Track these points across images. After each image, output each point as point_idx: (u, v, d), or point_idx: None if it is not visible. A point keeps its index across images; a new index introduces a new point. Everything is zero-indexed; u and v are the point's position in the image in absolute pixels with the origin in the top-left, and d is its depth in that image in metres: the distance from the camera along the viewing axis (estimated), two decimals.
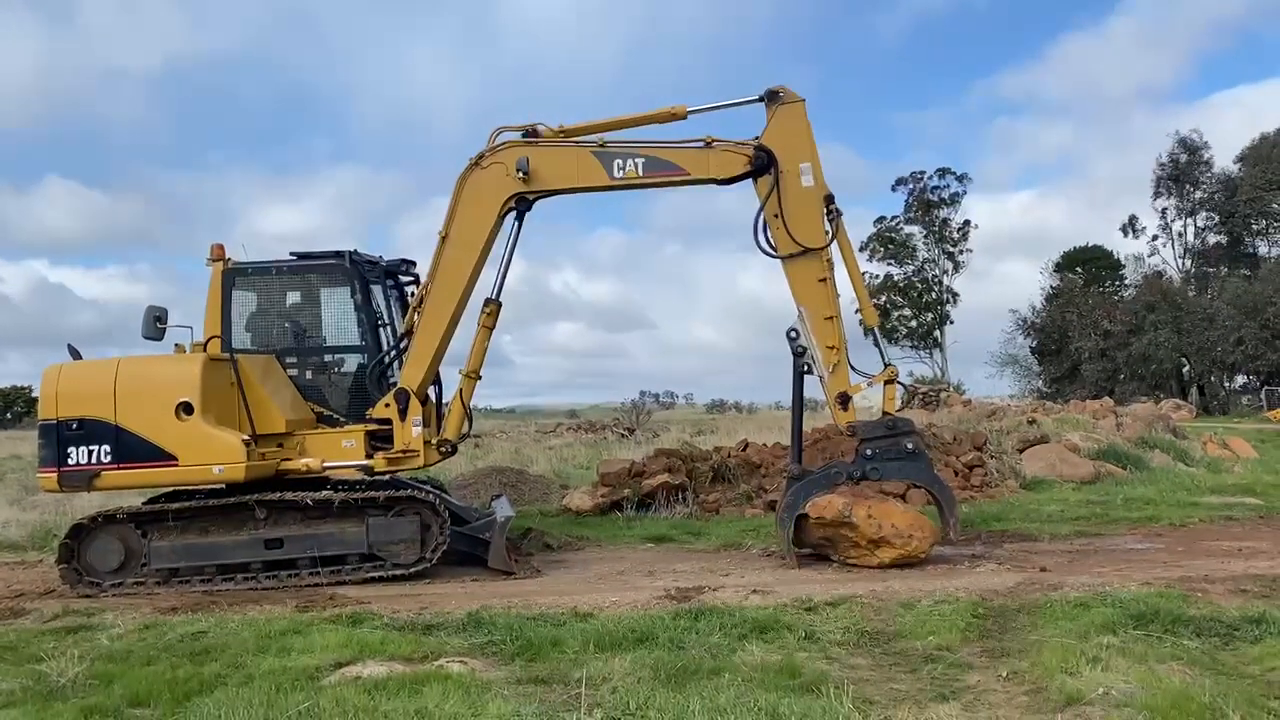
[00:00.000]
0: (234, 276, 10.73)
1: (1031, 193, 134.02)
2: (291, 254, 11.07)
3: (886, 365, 10.43)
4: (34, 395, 58.12)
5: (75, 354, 10.42)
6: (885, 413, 10.32)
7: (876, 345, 10.79)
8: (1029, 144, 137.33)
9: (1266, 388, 50.61)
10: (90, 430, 9.80)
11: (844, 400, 10.22)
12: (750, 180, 10.45)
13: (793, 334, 10.29)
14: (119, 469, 9.80)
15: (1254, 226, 60.57)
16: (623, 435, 32.20)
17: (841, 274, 10.51)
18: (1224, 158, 61.12)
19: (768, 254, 10.40)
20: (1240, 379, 57.64)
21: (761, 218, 10.36)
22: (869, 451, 10.11)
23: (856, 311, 11.22)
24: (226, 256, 10.73)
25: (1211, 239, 62.52)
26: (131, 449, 9.77)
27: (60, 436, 9.83)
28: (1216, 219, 60.96)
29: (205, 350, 10.41)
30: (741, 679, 6.09)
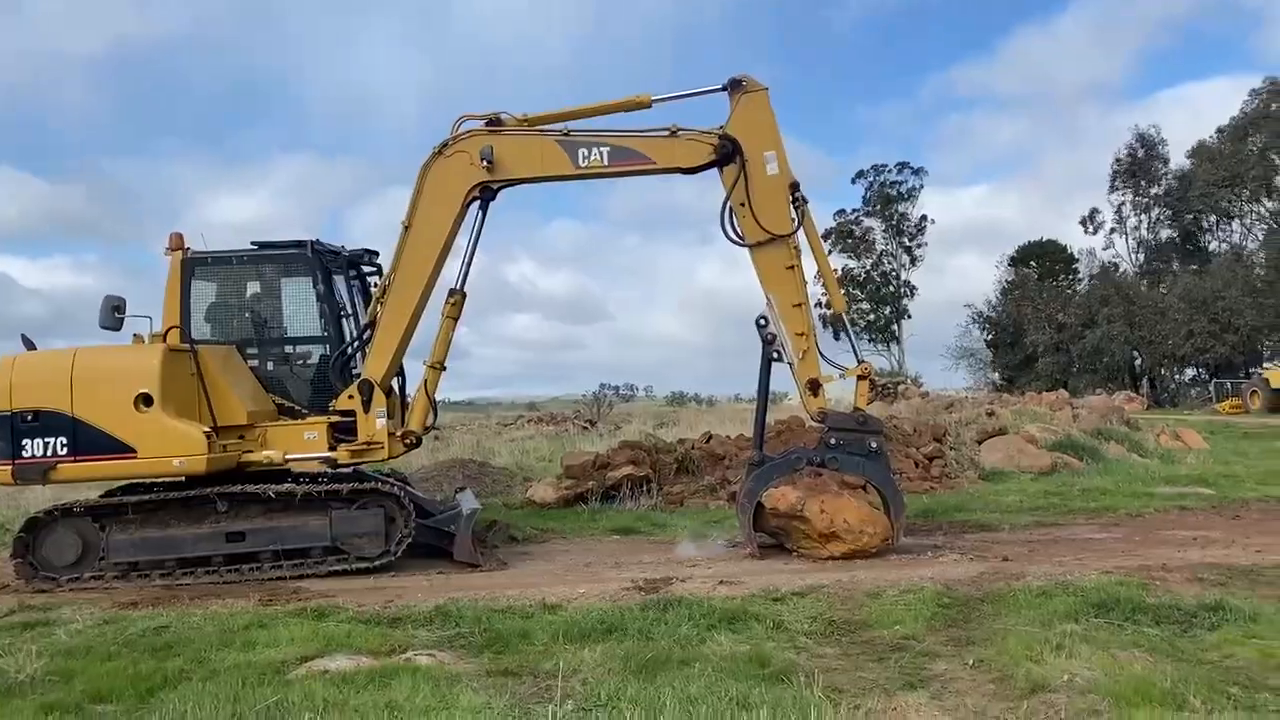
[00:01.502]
0: (193, 266, 10.58)
1: (984, 187, 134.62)
2: (252, 243, 10.93)
3: (860, 361, 10.52)
4: None
5: (29, 344, 10.22)
6: (856, 408, 10.41)
7: (849, 338, 10.93)
8: (981, 139, 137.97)
9: (1215, 380, 51.59)
10: (46, 422, 9.61)
11: (814, 386, 10.30)
12: (715, 169, 10.47)
13: (762, 321, 10.35)
14: (76, 461, 9.63)
15: (1203, 224, 61.66)
16: (584, 428, 32.07)
17: (808, 262, 10.60)
18: (1172, 154, 62.13)
19: (735, 242, 10.44)
20: (1190, 372, 58.69)
21: (728, 206, 10.39)
22: (833, 440, 10.20)
23: (817, 305, 11.31)
24: (185, 246, 10.58)
25: (1164, 234, 63.51)
26: (89, 441, 9.60)
27: (14, 428, 9.63)
28: (1170, 214, 61.90)
29: (164, 341, 10.25)
30: (711, 669, 6.11)
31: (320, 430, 10.42)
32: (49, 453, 9.62)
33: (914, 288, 73.32)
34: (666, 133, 10.48)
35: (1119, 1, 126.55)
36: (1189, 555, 9.64)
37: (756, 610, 7.64)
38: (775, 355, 10.38)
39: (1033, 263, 66.42)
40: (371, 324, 10.65)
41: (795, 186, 10.37)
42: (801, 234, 10.45)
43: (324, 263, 10.71)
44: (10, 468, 9.66)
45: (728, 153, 10.30)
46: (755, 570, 9.61)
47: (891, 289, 73.21)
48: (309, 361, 11.00)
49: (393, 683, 5.98)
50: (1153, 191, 62.22)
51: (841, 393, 12.01)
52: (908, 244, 72.98)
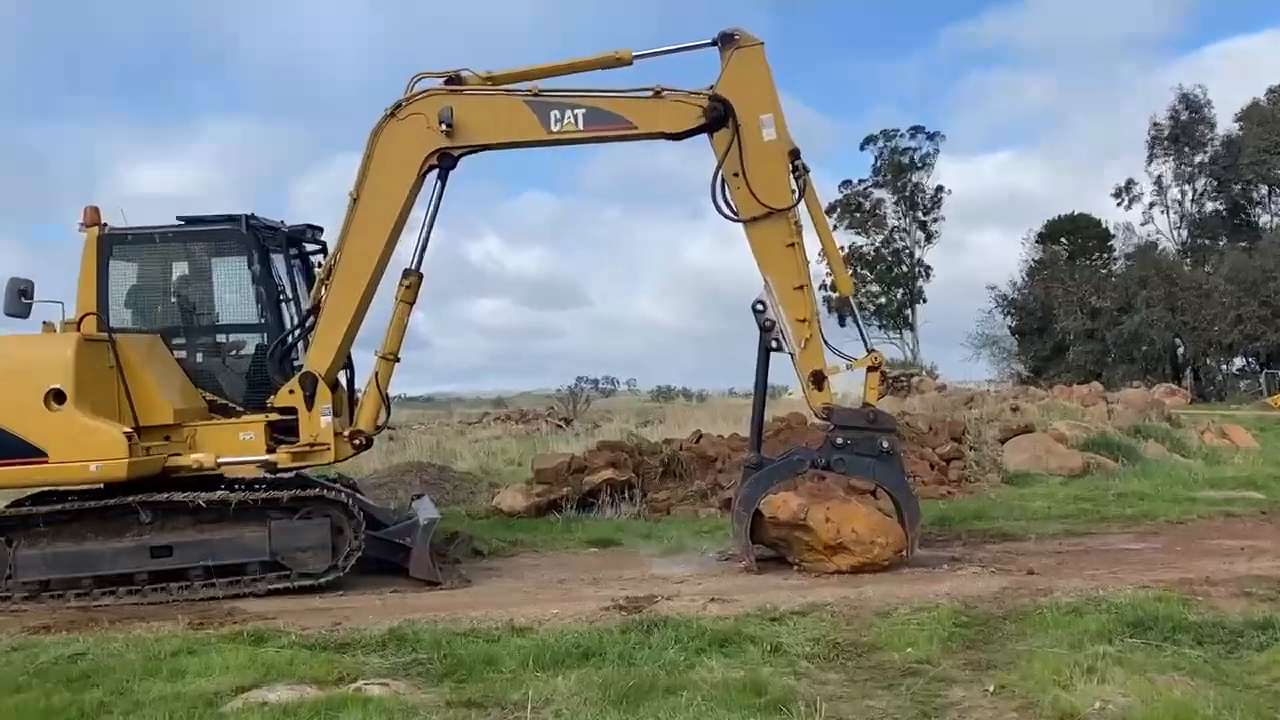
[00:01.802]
0: (112, 245, 10.53)
1: (1008, 153, 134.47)
2: (179, 219, 10.90)
3: (870, 350, 10.57)
4: None
5: None
6: (866, 403, 10.44)
7: (857, 325, 10.98)
8: (1004, 99, 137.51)
9: (1266, 371, 52.01)
10: None
11: (818, 379, 10.32)
12: (705, 134, 10.47)
13: (759, 306, 10.35)
14: None
15: (1254, 195, 61.96)
16: (558, 426, 32.21)
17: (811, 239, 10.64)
18: (1219, 117, 62.28)
19: (728, 217, 10.45)
20: (1239, 361, 59.14)
21: (720, 177, 10.39)
22: (840, 440, 10.21)
23: (821, 287, 11.36)
24: (102, 222, 10.52)
25: (1209, 207, 63.75)
26: None
27: None
28: (1216, 184, 62.11)
29: (79, 329, 10.19)
30: (701, 697, 6.14)
31: (257, 430, 10.39)
32: None
33: (929, 268, 73.81)
34: (649, 93, 10.46)
35: None
36: (1236, 567, 9.73)
37: (752, 631, 7.68)
38: (774, 344, 10.40)
39: (1063, 239, 66.73)
40: (315, 309, 10.63)
41: (795, 154, 10.39)
42: (803, 207, 10.48)
43: (260, 240, 10.68)
44: None
45: (719, 116, 10.28)
46: (751, 586, 9.65)
47: (904, 269, 73.56)
48: (244, 352, 11.00)
49: (341, 715, 5.98)
50: (1197, 159, 62.47)
51: (849, 386, 12.05)
52: (922, 218, 73.36)
